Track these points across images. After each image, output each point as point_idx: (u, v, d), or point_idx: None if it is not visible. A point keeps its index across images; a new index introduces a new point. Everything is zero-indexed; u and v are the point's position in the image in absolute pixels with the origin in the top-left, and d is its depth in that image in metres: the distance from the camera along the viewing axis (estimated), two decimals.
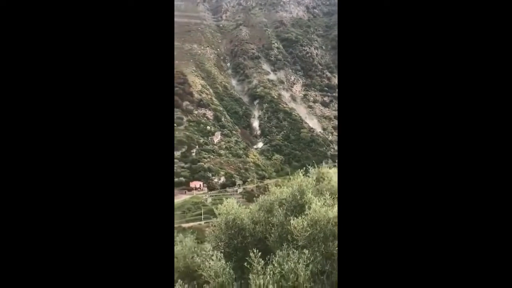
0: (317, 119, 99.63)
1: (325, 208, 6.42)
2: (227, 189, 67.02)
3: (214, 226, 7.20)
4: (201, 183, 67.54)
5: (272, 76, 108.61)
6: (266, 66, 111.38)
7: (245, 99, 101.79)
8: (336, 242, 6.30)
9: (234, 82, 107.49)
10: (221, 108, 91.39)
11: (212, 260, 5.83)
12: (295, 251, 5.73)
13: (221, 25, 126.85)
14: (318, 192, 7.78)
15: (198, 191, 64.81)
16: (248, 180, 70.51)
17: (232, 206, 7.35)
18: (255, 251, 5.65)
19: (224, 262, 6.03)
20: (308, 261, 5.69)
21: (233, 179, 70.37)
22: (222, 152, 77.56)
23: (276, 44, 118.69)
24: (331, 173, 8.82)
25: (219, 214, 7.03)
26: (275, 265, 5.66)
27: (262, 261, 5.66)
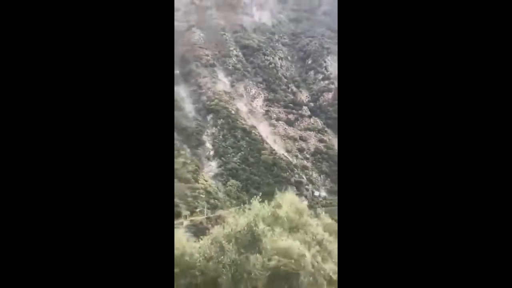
0: (280, 139, 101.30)
1: (283, 241, 6.37)
2: None
3: None
4: None
5: (229, 88, 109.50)
6: (222, 76, 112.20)
7: (197, 113, 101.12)
8: (300, 277, 6.29)
9: (183, 92, 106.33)
10: None
11: None
12: None
13: None
14: (275, 222, 7.78)
15: None
16: (197, 210, 69.13)
17: (178, 239, 7.00)
18: None
19: None
20: None
21: (178, 209, 68.50)
22: None
23: (235, 51, 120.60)
24: (291, 199, 8.95)
25: None
26: None
27: None
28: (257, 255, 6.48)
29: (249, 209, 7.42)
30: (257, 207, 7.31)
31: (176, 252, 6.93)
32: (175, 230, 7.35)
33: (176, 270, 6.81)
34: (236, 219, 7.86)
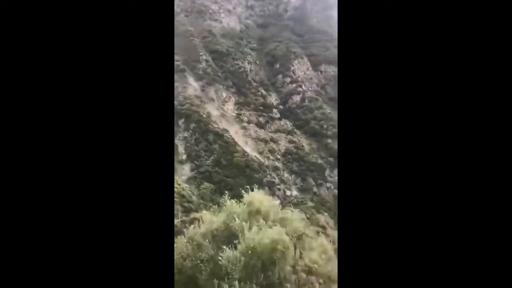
0: (252, 141, 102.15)
1: (260, 235, 6.95)
2: None
3: None
4: None
5: (200, 92, 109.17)
6: (192, 81, 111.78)
7: None
8: (276, 269, 6.79)
9: None
10: None
11: None
12: (233, 285, 6.06)
13: None
14: (250, 217, 8.34)
15: None
16: None
17: None
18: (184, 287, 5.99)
19: None
20: None
21: None
22: None
23: (204, 56, 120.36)
24: (261, 197, 9.38)
25: None
26: None
27: None
28: (234, 249, 6.71)
29: (224, 208, 7.93)
30: (230, 205, 7.96)
31: None
32: None
33: None
34: (211, 219, 8.23)
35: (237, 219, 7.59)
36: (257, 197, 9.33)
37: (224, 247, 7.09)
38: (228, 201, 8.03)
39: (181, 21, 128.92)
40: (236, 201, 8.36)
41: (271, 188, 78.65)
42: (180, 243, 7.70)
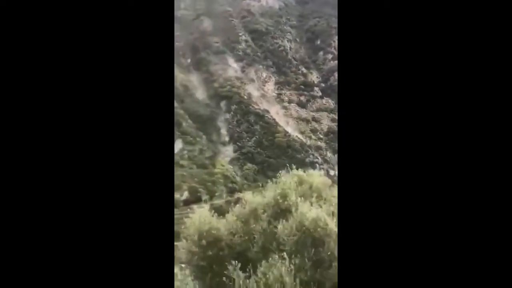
0: (293, 121, 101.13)
1: (314, 211, 6.66)
2: (192, 205, 66.32)
3: (185, 238, 7.23)
4: None
5: (240, 74, 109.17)
6: (233, 62, 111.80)
7: (210, 100, 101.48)
8: (326, 248, 6.56)
9: (196, 81, 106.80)
10: (182, 112, 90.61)
11: (178, 280, 5.83)
12: (283, 258, 5.89)
13: (178, 15, 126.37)
14: (301, 195, 8.06)
15: None
16: (216, 194, 70.04)
17: (205, 215, 7.41)
18: (234, 262, 5.75)
19: (191, 279, 6.06)
20: (296, 269, 5.88)
21: (199, 194, 69.66)
22: (184, 163, 76.65)
23: (243, 36, 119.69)
24: (313, 176, 9.11)
25: (191, 224, 7.08)
26: (259, 275, 5.80)
27: (243, 274, 5.76)
28: (285, 223, 6.62)
29: (276, 183, 7.69)
30: (283, 181, 7.64)
31: (204, 227, 7.23)
32: (199, 211, 7.66)
33: (203, 242, 7.11)
34: (260, 195, 8.05)
35: (290, 195, 7.22)
36: (309, 174, 9.08)
37: (276, 222, 7.05)
38: (282, 177, 7.68)
39: (219, 2, 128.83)
40: (290, 177, 7.99)
41: (313, 168, 77.90)
42: (230, 220, 7.74)
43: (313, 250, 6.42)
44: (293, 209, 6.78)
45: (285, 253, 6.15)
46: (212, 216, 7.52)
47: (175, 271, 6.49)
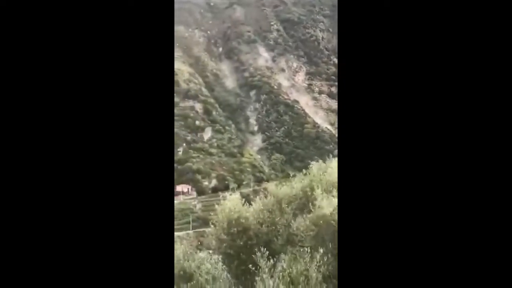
0: (323, 112, 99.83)
1: (333, 205, 6.58)
2: (220, 193, 67.41)
3: (214, 225, 7.37)
4: (189, 186, 67.68)
5: (271, 63, 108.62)
6: (264, 51, 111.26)
7: (240, 89, 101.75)
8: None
9: (226, 69, 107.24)
10: (212, 100, 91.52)
11: (209, 263, 5.93)
12: (304, 251, 5.91)
13: (211, 4, 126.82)
14: (328, 186, 7.97)
15: (186, 195, 64.99)
16: (244, 183, 70.72)
17: (236, 203, 7.48)
18: (262, 249, 5.83)
19: (221, 265, 6.15)
20: (318, 263, 5.89)
21: (226, 182, 70.57)
22: (213, 151, 77.78)
23: (275, 25, 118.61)
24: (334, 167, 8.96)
25: (221, 211, 7.21)
26: (284, 267, 5.84)
27: (270, 262, 5.85)
28: (307, 216, 6.56)
29: (305, 174, 7.66)
30: (313, 173, 7.59)
31: (234, 215, 7.32)
32: (231, 198, 7.72)
33: (233, 230, 7.19)
34: (288, 186, 8.00)
35: (316, 187, 7.17)
36: (334, 166, 8.87)
37: (302, 214, 6.90)
38: (312, 168, 7.63)
39: None
40: (318, 170, 7.92)
41: None
42: (257, 209, 7.74)
43: (330, 244, 6.38)
44: (318, 200, 6.75)
45: (308, 247, 6.15)
46: (243, 205, 7.54)
47: (203, 255, 6.65)
